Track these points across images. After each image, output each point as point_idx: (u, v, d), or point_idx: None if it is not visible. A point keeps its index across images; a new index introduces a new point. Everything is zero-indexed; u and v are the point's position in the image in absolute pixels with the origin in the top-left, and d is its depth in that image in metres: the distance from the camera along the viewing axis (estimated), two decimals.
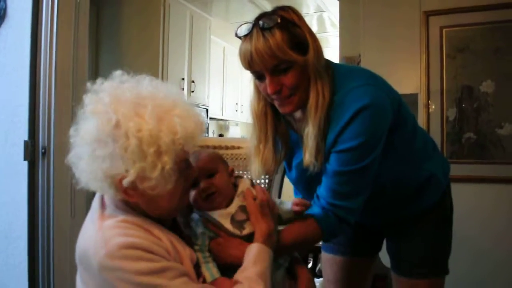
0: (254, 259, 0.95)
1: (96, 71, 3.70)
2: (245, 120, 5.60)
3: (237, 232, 1.04)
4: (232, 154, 1.51)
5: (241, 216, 1.05)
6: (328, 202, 1.13)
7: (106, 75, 0.93)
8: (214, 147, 1.52)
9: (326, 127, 1.12)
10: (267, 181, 1.54)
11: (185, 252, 0.95)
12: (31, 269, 2.08)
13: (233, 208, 1.06)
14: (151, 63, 3.63)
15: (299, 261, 1.19)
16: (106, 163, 0.84)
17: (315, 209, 1.15)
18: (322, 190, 1.16)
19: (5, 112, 2.17)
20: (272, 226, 1.03)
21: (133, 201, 0.91)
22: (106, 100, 0.87)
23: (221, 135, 5.62)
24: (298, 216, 1.12)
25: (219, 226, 1.04)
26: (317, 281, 2.18)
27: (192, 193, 1.05)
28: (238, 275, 0.94)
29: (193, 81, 4.16)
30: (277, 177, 1.50)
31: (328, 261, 1.58)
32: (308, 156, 1.13)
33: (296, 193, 1.50)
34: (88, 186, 0.91)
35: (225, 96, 5.16)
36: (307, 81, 1.11)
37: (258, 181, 1.52)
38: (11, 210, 2.18)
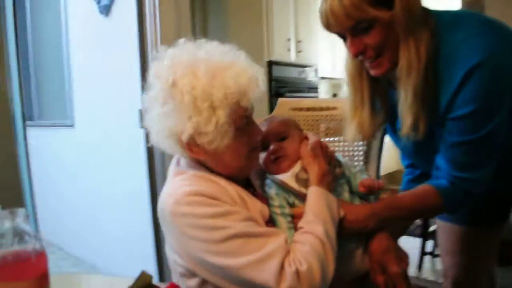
0: (310, 203, 0.95)
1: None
2: None
3: (303, 190, 1.01)
4: (327, 116, 1.40)
5: (305, 175, 1.03)
6: (450, 174, 1.01)
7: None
8: (308, 109, 1.43)
9: (433, 90, 0.97)
10: (362, 148, 1.39)
11: (255, 205, 0.97)
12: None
13: (296, 168, 1.04)
14: (255, 25, 3.60)
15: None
16: (168, 121, 0.91)
17: (436, 180, 1.05)
18: (441, 161, 1.03)
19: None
20: (325, 167, 1.01)
21: (200, 158, 0.97)
22: (165, 63, 0.94)
23: (334, 95, 5.44)
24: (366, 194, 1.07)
25: (286, 186, 1.03)
26: None
27: (263, 156, 1.07)
28: (300, 222, 0.95)
29: (299, 41, 4.04)
30: (375, 143, 1.35)
31: (443, 229, 1.42)
32: (404, 127, 1.01)
33: (403, 159, 1.34)
34: (161, 146, 0.99)
35: (337, 54, 4.92)
36: (396, 39, 0.96)
37: (352, 148, 1.39)
38: (132, 181, 2.38)
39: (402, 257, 1.03)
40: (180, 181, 0.95)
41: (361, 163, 1.35)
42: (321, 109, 1.41)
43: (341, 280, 1.04)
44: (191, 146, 0.94)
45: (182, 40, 0.98)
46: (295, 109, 1.44)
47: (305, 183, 1.03)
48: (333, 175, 1.05)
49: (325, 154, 1.06)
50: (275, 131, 1.09)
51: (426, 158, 1.11)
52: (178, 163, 1.05)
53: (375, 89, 1.11)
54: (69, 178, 3.29)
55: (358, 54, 0.99)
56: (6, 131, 1.77)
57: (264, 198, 1.04)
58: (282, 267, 0.84)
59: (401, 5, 0.92)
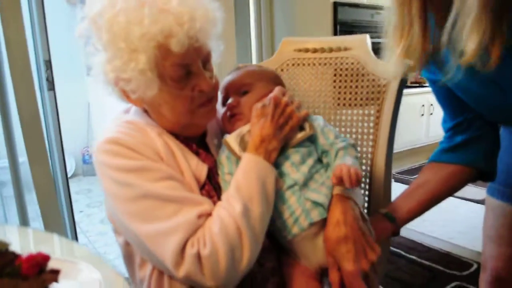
0: (237, 173, 0.79)
1: None
2: None
3: (242, 154, 0.82)
4: (337, 58, 1.10)
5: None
6: None
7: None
8: (314, 50, 1.14)
9: None
10: (373, 107, 1.08)
11: (189, 163, 0.83)
12: None
13: (246, 127, 0.87)
14: None
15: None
16: (95, 62, 0.80)
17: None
18: None
19: None
20: (268, 130, 0.81)
21: (141, 107, 0.86)
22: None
23: None
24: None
25: (229, 148, 0.86)
26: None
27: (222, 111, 0.92)
28: (223, 194, 0.80)
29: None
30: (390, 97, 1.02)
31: (493, 209, 1.10)
32: (468, 52, 0.71)
33: (448, 117, 1.03)
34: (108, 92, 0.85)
35: None
36: None
37: (357, 112, 1.08)
38: None
39: (366, 249, 0.76)
40: (111, 127, 0.83)
41: (371, 130, 1.05)
42: (331, 50, 1.12)
43: (307, 269, 0.83)
44: (126, 92, 0.81)
45: None
46: (299, 50, 1.16)
47: None
48: (280, 140, 0.82)
49: (280, 113, 0.83)
50: (236, 83, 0.92)
51: (493, 103, 0.85)
52: (128, 109, 0.92)
53: (427, 5, 0.79)
54: None
55: None
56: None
57: (211, 159, 0.88)
58: (183, 246, 0.70)
59: None
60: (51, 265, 0.57)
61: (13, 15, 1.62)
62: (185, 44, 0.75)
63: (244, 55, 3.72)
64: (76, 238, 2.17)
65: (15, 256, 0.56)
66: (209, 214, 0.75)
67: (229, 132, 0.88)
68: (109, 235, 2.75)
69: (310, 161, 0.84)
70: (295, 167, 0.83)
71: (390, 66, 0.88)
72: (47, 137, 1.98)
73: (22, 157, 1.85)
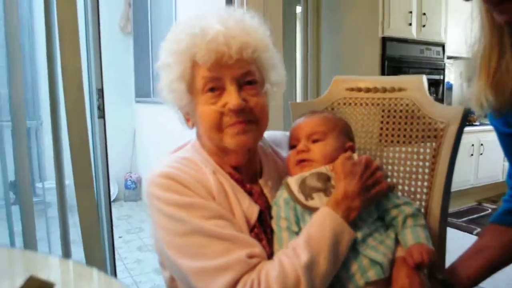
0: (311, 224, 0.76)
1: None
2: None
3: (300, 197, 0.81)
4: (391, 100, 1.06)
5: (314, 183, 0.82)
6: None
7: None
8: (367, 90, 1.10)
9: None
10: (429, 149, 1.02)
11: (241, 203, 0.82)
12: None
13: (308, 172, 0.84)
14: None
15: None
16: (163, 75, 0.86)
17: None
18: None
19: None
20: (355, 190, 0.78)
21: (190, 126, 0.90)
22: None
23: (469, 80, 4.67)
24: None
25: (288, 190, 0.83)
26: None
27: (289, 153, 0.91)
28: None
29: (424, 14, 3.49)
30: (449, 138, 0.96)
31: None
32: None
33: (510, 177, 0.96)
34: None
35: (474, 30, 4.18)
36: None
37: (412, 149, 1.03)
38: None
39: None
40: (164, 162, 0.83)
41: (426, 169, 0.99)
42: (385, 90, 1.08)
43: None
44: (184, 111, 0.89)
45: None
46: (352, 89, 1.13)
47: (310, 192, 0.80)
48: (364, 201, 0.78)
49: (369, 175, 0.80)
50: (309, 129, 0.90)
51: None
52: (182, 146, 0.94)
53: None
54: None
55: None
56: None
57: (263, 200, 0.86)
58: (234, 285, 0.69)
59: None
60: None
61: (71, 44, 1.69)
62: (211, 57, 0.77)
63: (289, 93, 3.72)
64: (114, 265, 2.18)
65: None
66: (260, 257, 0.73)
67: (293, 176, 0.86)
68: (146, 263, 2.75)
69: (370, 219, 0.81)
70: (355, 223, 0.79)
71: (478, 93, 0.77)
72: (94, 162, 2.02)
73: (68, 180, 1.90)
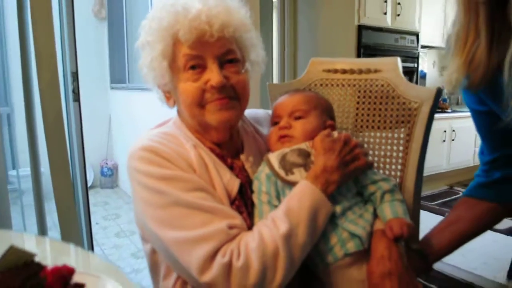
0: (291, 196, 0.78)
1: None
2: None
3: (281, 172, 0.82)
4: (366, 80, 1.09)
5: (294, 158, 0.84)
6: None
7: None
8: (344, 71, 1.13)
9: None
10: (403, 131, 1.05)
11: (222, 176, 0.83)
12: None
13: (289, 148, 0.86)
14: None
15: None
16: (142, 58, 0.85)
17: None
18: None
19: None
20: (334, 164, 0.80)
21: (169, 104, 0.90)
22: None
23: (443, 69, 4.79)
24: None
25: (269, 165, 0.85)
26: None
27: (270, 130, 0.93)
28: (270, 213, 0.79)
29: (398, 3, 3.55)
30: (421, 119, 0.99)
31: None
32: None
33: (487, 150, 1.00)
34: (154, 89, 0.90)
35: (448, 19, 4.27)
36: None
37: (385, 135, 1.06)
38: None
39: (410, 286, 0.75)
40: (146, 137, 0.84)
41: (400, 153, 1.02)
42: (361, 71, 1.11)
43: None
44: (164, 91, 0.89)
45: None
46: (328, 70, 1.15)
47: (290, 167, 0.82)
48: (342, 176, 0.80)
49: (348, 151, 0.83)
50: (291, 107, 0.91)
51: None
52: (165, 122, 0.95)
53: (496, 15, 0.75)
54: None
55: None
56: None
57: (244, 175, 0.88)
58: (213, 255, 0.70)
59: None
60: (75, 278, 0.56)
61: (44, 28, 1.65)
62: (193, 35, 0.78)
63: (265, 75, 3.73)
64: (92, 250, 2.17)
65: (40, 268, 0.55)
66: (240, 228, 0.75)
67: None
68: (124, 248, 2.74)
69: (349, 194, 0.84)
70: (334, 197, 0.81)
71: (452, 73, 0.83)
72: (70, 147, 1.99)
73: (43, 167, 1.87)
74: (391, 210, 0.83)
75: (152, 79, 0.85)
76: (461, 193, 3.85)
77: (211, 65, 0.81)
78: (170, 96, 0.88)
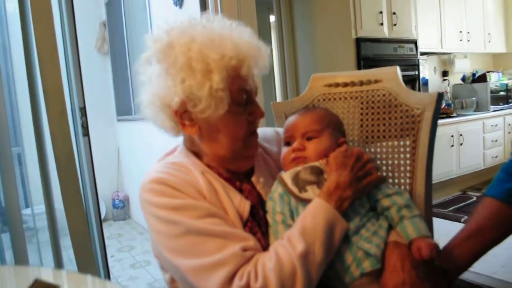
0: (305, 215, 0.78)
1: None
2: (476, 50, 4.63)
3: (294, 190, 0.83)
4: (368, 92, 1.10)
5: (307, 176, 0.84)
6: None
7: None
8: (345, 84, 1.14)
9: None
10: (409, 143, 1.06)
11: (232, 199, 0.84)
12: None
13: (301, 166, 0.87)
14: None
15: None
16: (160, 85, 0.82)
17: None
18: None
19: None
20: (346, 180, 0.81)
21: (193, 136, 0.87)
22: (164, 28, 0.85)
23: (445, 72, 4.80)
24: None
25: (282, 183, 0.86)
26: None
27: (284, 151, 0.93)
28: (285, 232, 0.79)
29: (394, 13, 3.59)
30: (425, 126, 1.00)
31: None
32: None
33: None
34: (156, 124, 0.89)
35: (444, 25, 4.30)
36: None
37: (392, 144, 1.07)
38: None
39: None
40: (155, 168, 0.86)
41: (407, 161, 1.03)
42: (362, 83, 1.12)
43: None
44: (183, 118, 0.84)
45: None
46: (330, 85, 1.17)
47: (303, 185, 0.83)
48: (355, 191, 0.81)
49: (360, 167, 0.83)
50: (303, 128, 0.91)
51: None
52: (172, 151, 0.96)
53: None
54: None
55: None
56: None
57: (254, 196, 0.89)
58: (231, 279, 0.70)
59: None
60: None
61: (51, 65, 1.70)
62: (250, 71, 0.83)
63: (268, 95, 3.77)
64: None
65: None
66: (254, 249, 0.75)
67: None
68: (140, 279, 2.73)
69: (362, 210, 0.84)
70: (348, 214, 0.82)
71: None
72: (82, 182, 2.02)
73: (56, 203, 1.88)
74: (414, 228, 0.83)
75: (211, 109, 0.81)
76: (474, 197, 3.81)
77: (254, 99, 0.87)
78: (194, 123, 0.85)
